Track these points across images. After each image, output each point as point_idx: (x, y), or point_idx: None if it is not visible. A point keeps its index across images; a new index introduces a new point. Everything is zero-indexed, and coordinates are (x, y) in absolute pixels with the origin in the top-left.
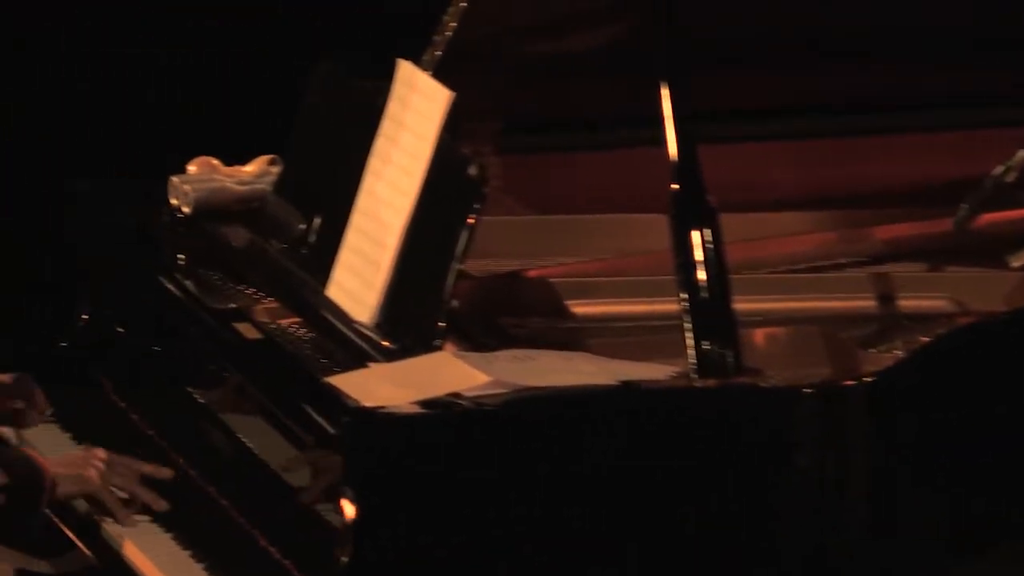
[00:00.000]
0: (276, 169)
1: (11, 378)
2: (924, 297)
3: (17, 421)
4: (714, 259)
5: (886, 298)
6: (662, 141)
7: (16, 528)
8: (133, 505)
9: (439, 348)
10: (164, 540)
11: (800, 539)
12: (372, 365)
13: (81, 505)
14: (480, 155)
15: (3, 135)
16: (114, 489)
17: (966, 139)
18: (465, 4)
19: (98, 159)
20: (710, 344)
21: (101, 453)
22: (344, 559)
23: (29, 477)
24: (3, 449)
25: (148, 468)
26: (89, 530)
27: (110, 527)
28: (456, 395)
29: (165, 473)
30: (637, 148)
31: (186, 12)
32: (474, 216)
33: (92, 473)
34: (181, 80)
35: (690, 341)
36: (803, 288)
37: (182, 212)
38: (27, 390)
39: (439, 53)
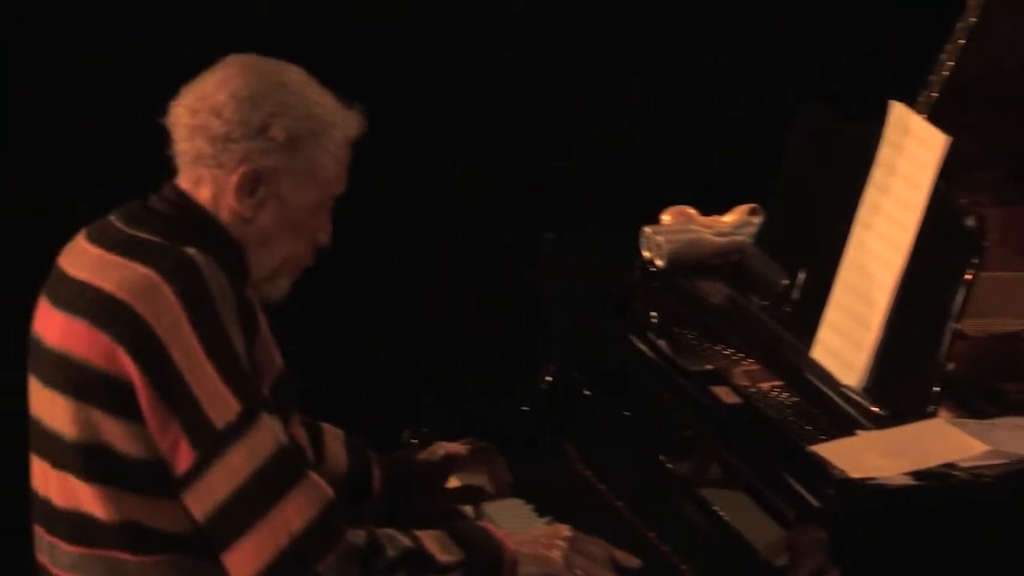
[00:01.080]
0: (757, 219)
1: (474, 449)
2: None
3: (477, 495)
4: None
5: None
6: None
7: None
8: None
9: (933, 415)
10: None
11: None
12: (860, 433)
13: None
14: (978, 205)
15: (476, 184)
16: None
17: None
18: (964, 41)
19: (567, 208)
20: None
21: (565, 531)
22: None
23: (488, 556)
24: (462, 524)
25: (618, 555)
26: None
27: None
28: (951, 466)
29: (634, 563)
30: None
31: (658, 54)
32: (972, 272)
33: (556, 554)
34: (653, 123)
35: None
36: None
37: (655, 266)
38: (491, 462)
39: (935, 94)
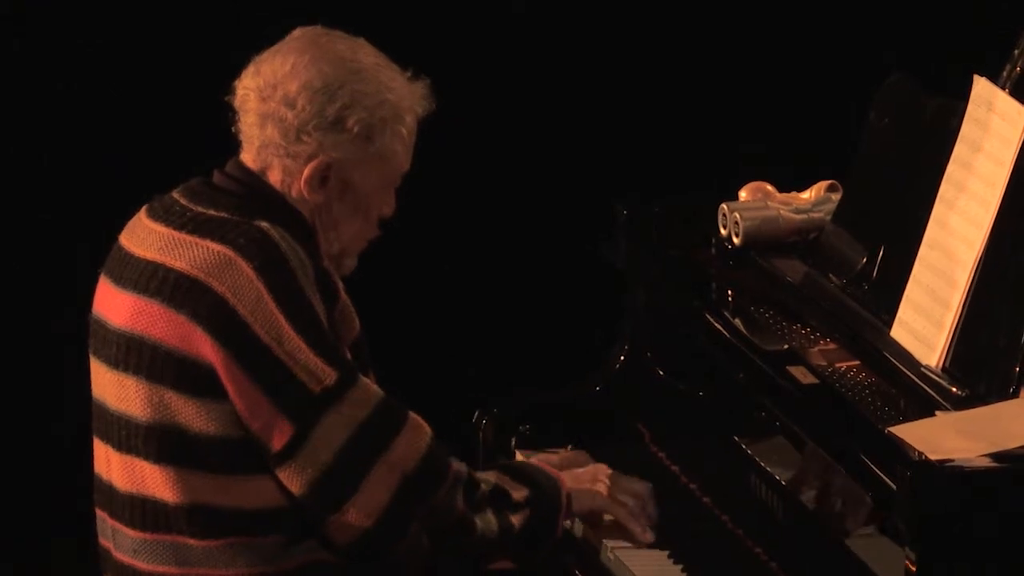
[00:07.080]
0: (836, 196)
1: (564, 455)
2: None
3: None
4: None
5: None
6: None
7: (533, 545)
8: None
9: (1015, 395)
10: None
11: None
12: (939, 414)
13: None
14: None
15: (552, 153)
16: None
17: None
18: None
19: (644, 182)
20: None
21: (606, 469)
22: None
23: (550, 491)
24: (517, 463)
25: (637, 527)
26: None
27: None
28: None
29: (646, 538)
30: None
31: (739, 24)
32: None
33: (601, 488)
34: (732, 98)
35: None
36: None
37: (732, 243)
38: (583, 465)
39: (1019, 69)
